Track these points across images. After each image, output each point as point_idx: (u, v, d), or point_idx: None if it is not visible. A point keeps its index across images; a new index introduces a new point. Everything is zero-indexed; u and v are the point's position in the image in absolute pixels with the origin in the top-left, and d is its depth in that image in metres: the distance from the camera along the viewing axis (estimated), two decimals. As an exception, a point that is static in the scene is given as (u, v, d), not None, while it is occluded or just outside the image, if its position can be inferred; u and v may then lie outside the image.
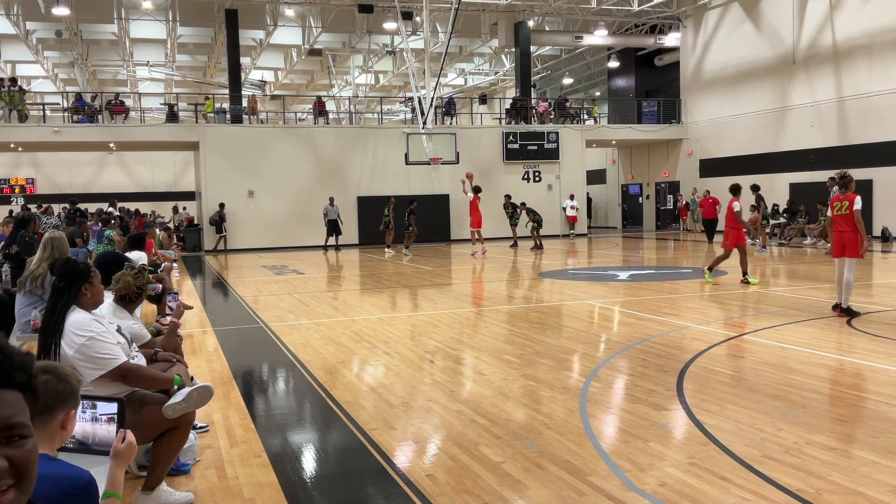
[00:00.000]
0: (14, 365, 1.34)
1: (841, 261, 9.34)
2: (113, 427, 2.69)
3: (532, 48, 32.18)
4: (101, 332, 3.82)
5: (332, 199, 24.93)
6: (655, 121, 30.98)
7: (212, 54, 34.56)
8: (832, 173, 22.48)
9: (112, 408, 2.73)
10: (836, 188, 9.63)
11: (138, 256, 9.04)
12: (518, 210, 23.43)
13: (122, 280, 4.66)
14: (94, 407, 2.75)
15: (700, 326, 8.87)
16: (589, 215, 32.22)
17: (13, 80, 25.25)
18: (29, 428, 1.35)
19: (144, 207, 31.76)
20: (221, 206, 25.17)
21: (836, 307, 9.40)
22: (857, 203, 9.12)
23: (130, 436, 2.49)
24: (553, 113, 30.11)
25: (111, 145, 28.79)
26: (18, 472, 1.33)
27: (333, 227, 24.78)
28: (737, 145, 27.61)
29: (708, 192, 24.56)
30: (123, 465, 2.46)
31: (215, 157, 25.55)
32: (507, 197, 23.82)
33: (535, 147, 28.74)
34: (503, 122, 30.25)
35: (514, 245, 23.65)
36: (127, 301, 4.70)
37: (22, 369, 1.35)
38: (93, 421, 2.74)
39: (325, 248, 25.08)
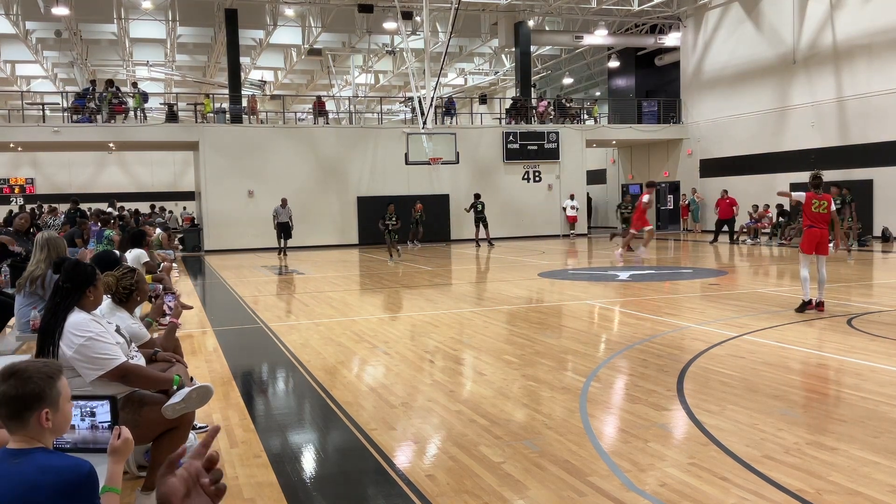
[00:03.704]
0: None
1: (808, 257, 9.56)
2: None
3: (532, 48, 32.15)
4: (99, 333, 3.82)
5: (284, 201, 23.41)
6: (655, 121, 30.96)
7: (212, 54, 34.55)
8: (833, 174, 22.62)
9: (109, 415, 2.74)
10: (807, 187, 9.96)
11: (137, 255, 9.04)
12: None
13: (103, 279, 4.61)
14: (93, 415, 2.75)
15: (700, 326, 8.87)
16: (589, 215, 32.21)
17: (110, 82, 26.00)
18: None
19: (144, 207, 31.73)
20: (152, 206, 25.37)
21: (808, 304, 9.53)
22: (833, 205, 9.83)
23: (126, 431, 2.50)
24: (553, 113, 30.11)
25: (111, 145, 28.78)
26: None
27: (284, 230, 23.38)
28: (737, 145, 27.59)
29: (726, 192, 24.47)
30: (121, 461, 2.48)
31: (215, 157, 25.55)
32: (477, 196, 24.72)
33: (535, 147, 28.72)
34: (503, 122, 30.24)
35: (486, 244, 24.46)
36: (118, 301, 4.67)
37: None
38: (91, 429, 2.74)
39: (280, 251, 23.45)
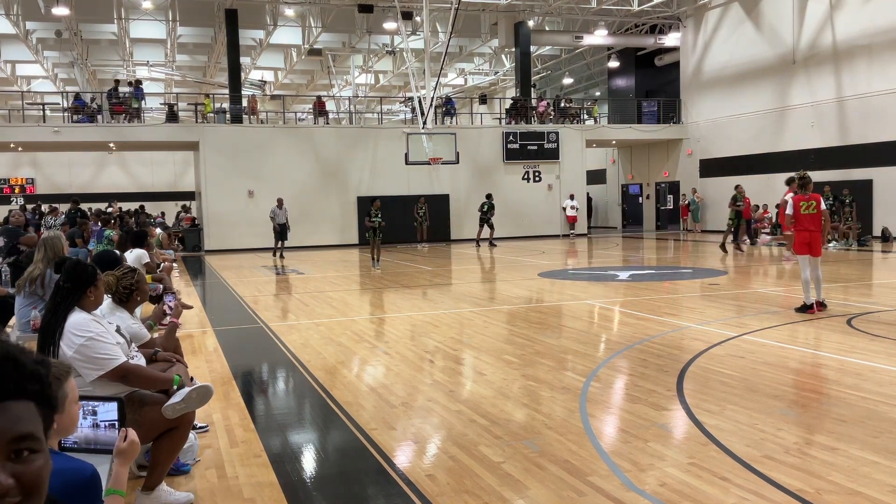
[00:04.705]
0: (25, 374, 1.24)
1: (805, 258, 9.53)
2: (115, 431, 2.69)
3: (532, 48, 32.16)
4: (100, 333, 3.82)
5: (280, 201, 22.38)
6: (655, 121, 30.97)
7: (212, 54, 34.54)
8: (832, 173, 22.62)
9: (112, 413, 2.73)
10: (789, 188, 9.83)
11: (138, 255, 9.04)
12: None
13: (103, 279, 4.60)
14: (95, 414, 2.75)
15: (700, 326, 8.87)
16: (589, 215, 32.21)
17: (139, 83, 26.09)
18: (41, 442, 1.23)
19: (146, 208, 31.70)
20: (141, 207, 26.21)
21: (811, 307, 9.44)
22: (823, 203, 9.82)
23: (133, 434, 2.49)
24: (553, 113, 30.10)
25: (111, 145, 28.78)
26: (26, 490, 1.21)
27: (281, 231, 22.18)
28: (737, 145, 27.60)
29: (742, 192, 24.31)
30: (127, 464, 2.47)
31: (215, 157, 25.55)
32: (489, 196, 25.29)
33: (535, 147, 28.74)
34: (503, 122, 30.25)
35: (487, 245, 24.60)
36: (118, 301, 4.67)
37: (34, 378, 1.25)
38: (93, 427, 2.73)
39: (279, 253, 22.48)
